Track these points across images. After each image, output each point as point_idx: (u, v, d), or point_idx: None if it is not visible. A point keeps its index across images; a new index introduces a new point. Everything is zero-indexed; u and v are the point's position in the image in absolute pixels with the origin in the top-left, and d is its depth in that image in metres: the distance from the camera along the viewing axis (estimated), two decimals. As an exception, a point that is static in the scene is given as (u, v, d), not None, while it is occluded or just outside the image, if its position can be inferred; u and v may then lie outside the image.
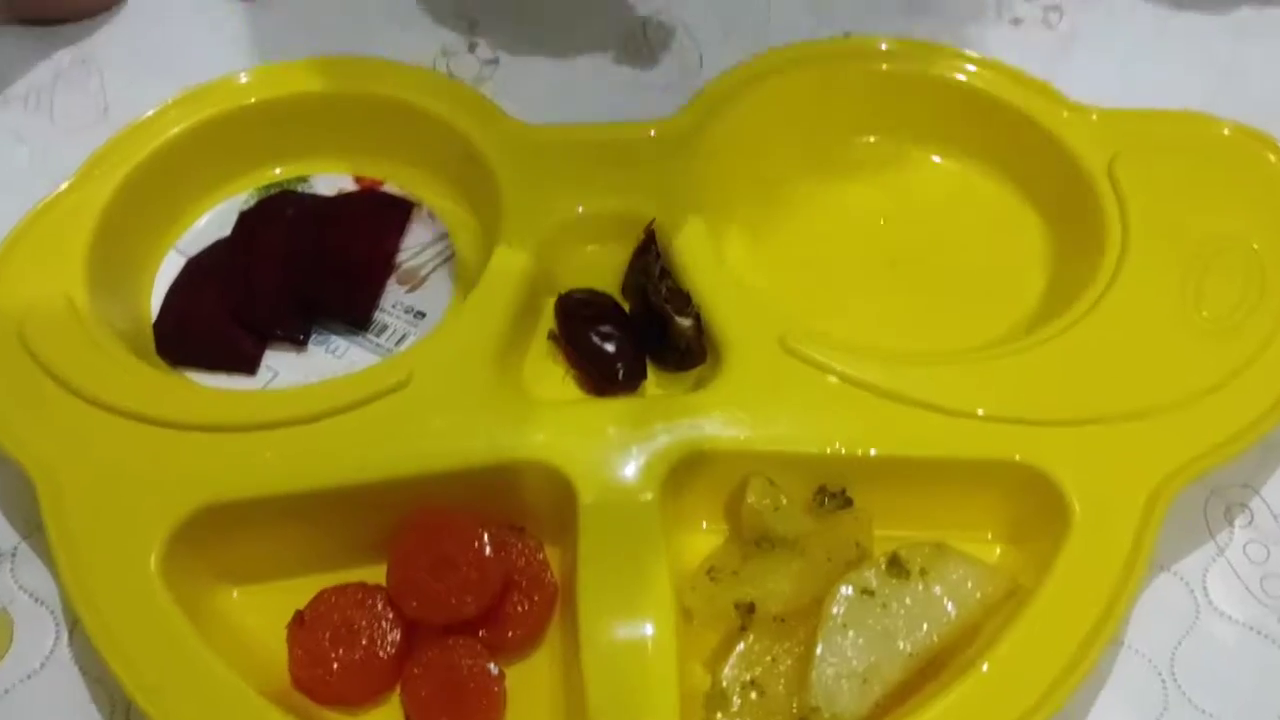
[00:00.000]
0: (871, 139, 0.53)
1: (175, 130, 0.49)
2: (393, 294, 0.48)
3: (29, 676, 0.40)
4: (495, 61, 0.56)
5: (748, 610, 0.39)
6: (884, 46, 0.52)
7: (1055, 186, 0.49)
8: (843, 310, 0.47)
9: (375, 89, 0.51)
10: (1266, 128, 0.50)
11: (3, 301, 0.44)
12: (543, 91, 0.55)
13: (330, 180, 0.52)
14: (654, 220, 0.46)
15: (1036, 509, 0.40)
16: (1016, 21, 0.58)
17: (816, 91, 0.52)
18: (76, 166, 0.48)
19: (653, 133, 0.49)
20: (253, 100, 0.50)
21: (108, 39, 0.57)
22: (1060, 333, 0.44)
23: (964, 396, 0.41)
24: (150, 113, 0.49)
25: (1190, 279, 0.45)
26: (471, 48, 0.57)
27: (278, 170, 0.52)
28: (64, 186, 0.47)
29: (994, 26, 0.58)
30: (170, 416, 0.41)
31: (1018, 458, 0.40)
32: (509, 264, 0.45)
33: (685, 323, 0.44)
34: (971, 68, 0.52)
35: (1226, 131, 0.50)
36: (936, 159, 0.52)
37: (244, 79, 0.51)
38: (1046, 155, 0.49)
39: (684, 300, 0.44)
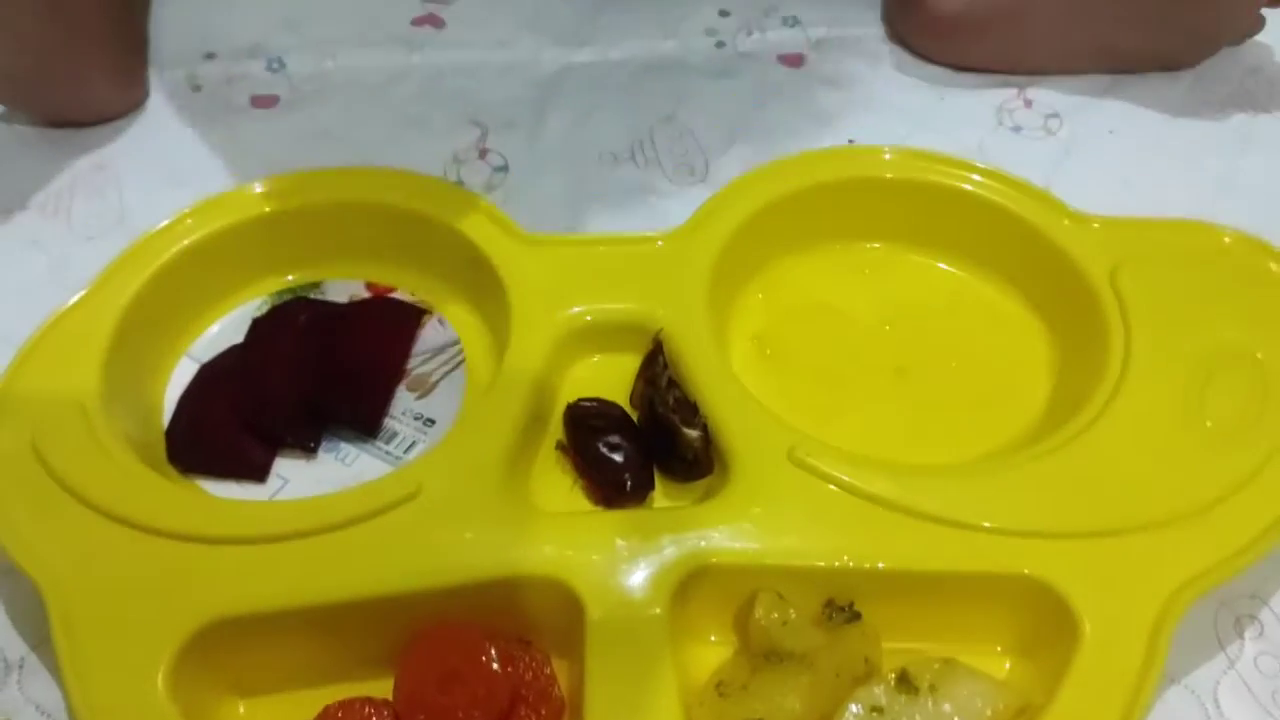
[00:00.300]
0: (876, 245, 0.54)
1: (191, 239, 0.50)
2: (402, 401, 0.49)
3: (33, 792, 0.39)
4: (505, 168, 0.58)
5: (757, 728, 0.38)
6: (887, 155, 0.53)
7: (1058, 294, 0.50)
8: (849, 418, 0.48)
9: (388, 199, 0.51)
10: (1264, 235, 0.50)
11: (17, 411, 0.44)
12: (552, 196, 0.56)
13: (343, 287, 0.52)
14: (661, 330, 0.47)
15: (1046, 622, 0.40)
16: (1017, 129, 0.60)
17: (821, 199, 0.52)
18: (93, 273, 0.49)
19: (660, 243, 0.50)
20: (268, 209, 0.51)
21: (125, 146, 0.58)
22: (1066, 443, 0.44)
23: (972, 509, 0.41)
24: (166, 222, 0.50)
25: (1194, 389, 0.45)
26: (482, 154, 0.58)
27: (291, 277, 0.52)
28: (79, 296, 0.48)
29: (995, 134, 0.59)
30: (180, 529, 0.41)
31: (1026, 571, 0.40)
32: (518, 373, 0.46)
33: (693, 434, 0.44)
34: (974, 175, 0.52)
35: (1228, 240, 0.50)
36: (941, 265, 0.53)
37: (259, 188, 0.51)
38: (1049, 263, 0.50)
39: (692, 411, 0.44)
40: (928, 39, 0.64)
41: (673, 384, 0.46)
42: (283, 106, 0.60)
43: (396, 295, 0.52)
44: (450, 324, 0.51)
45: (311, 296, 0.52)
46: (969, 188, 0.52)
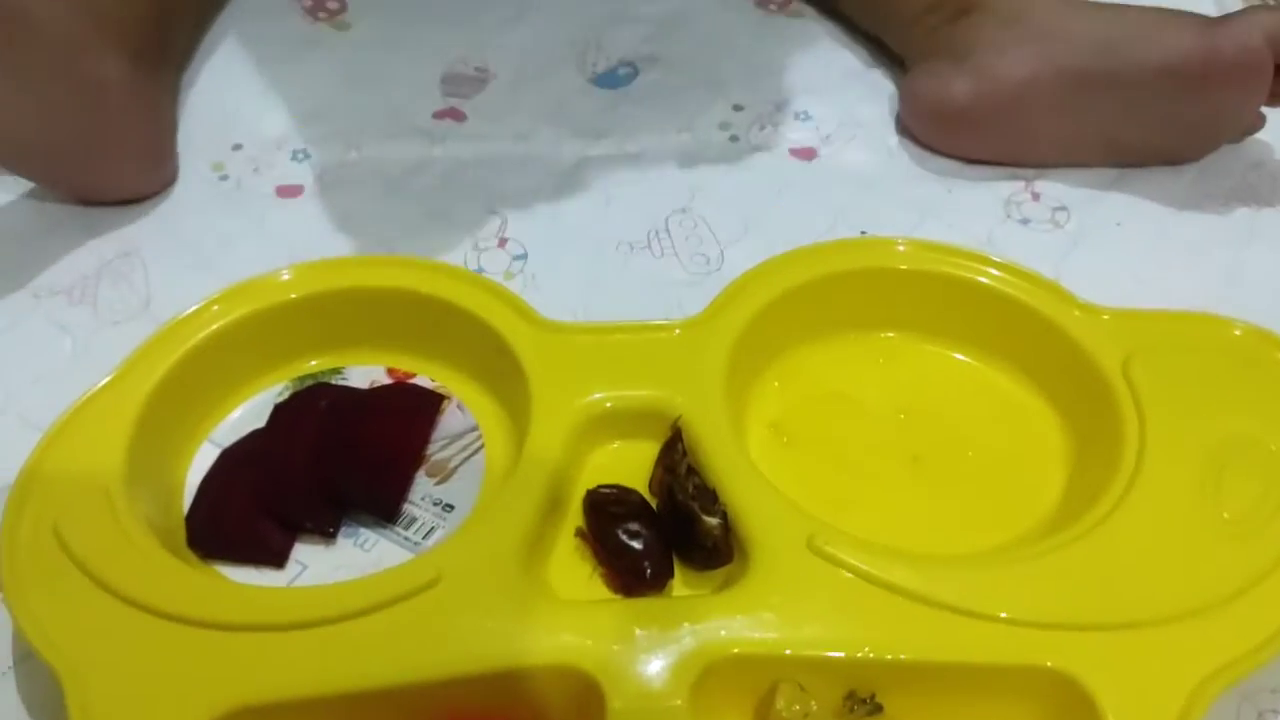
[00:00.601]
0: (890, 334, 0.54)
1: (216, 325, 0.50)
2: (421, 486, 0.49)
3: None
4: (524, 256, 0.59)
5: (778, 822, 0.38)
6: (900, 247, 0.54)
7: (1071, 385, 0.50)
8: (866, 506, 0.48)
9: (410, 285, 0.52)
10: (1272, 327, 0.51)
11: (41, 495, 0.45)
12: (571, 284, 0.57)
13: (364, 372, 0.53)
14: (680, 417, 0.47)
15: (1069, 716, 0.40)
16: (1025, 221, 0.61)
17: (835, 289, 0.53)
18: (117, 358, 0.49)
19: (677, 331, 0.51)
20: (292, 296, 0.52)
21: (152, 232, 0.59)
22: (1085, 534, 0.44)
23: (993, 600, 0.41)
24: (193, 308, 0.51)
25: (1209, 480, 0.46)
26: (502, 243, 0.59)
27: (313, 362, 0.53)
28: (104, 382, 0.48)
29: (1003, 226, 0.60)
30: (199, 615, 0.41)
31: (1049, 664, 0.40)
32: (538, 459, 0.46)
33: (712, 521, 0.44)
34: (985, 267, 0.53)
35: (1238, 332, 0.51)
36: (955, 355, 0.54)
37: (285, 276, 0.52)
38: (1061, 354, 0.51)
39: (711, 498, 0.45)
40: (934, 132, 0.65)
41: (692, 471, 0.46)
42: (307, 196, 0.61)
43: (417, 381, 0.53)
44: (469, 410, 0.52)
45: (333, 382, 0.53)
46: (981, 279, 0.53)
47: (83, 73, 0.56)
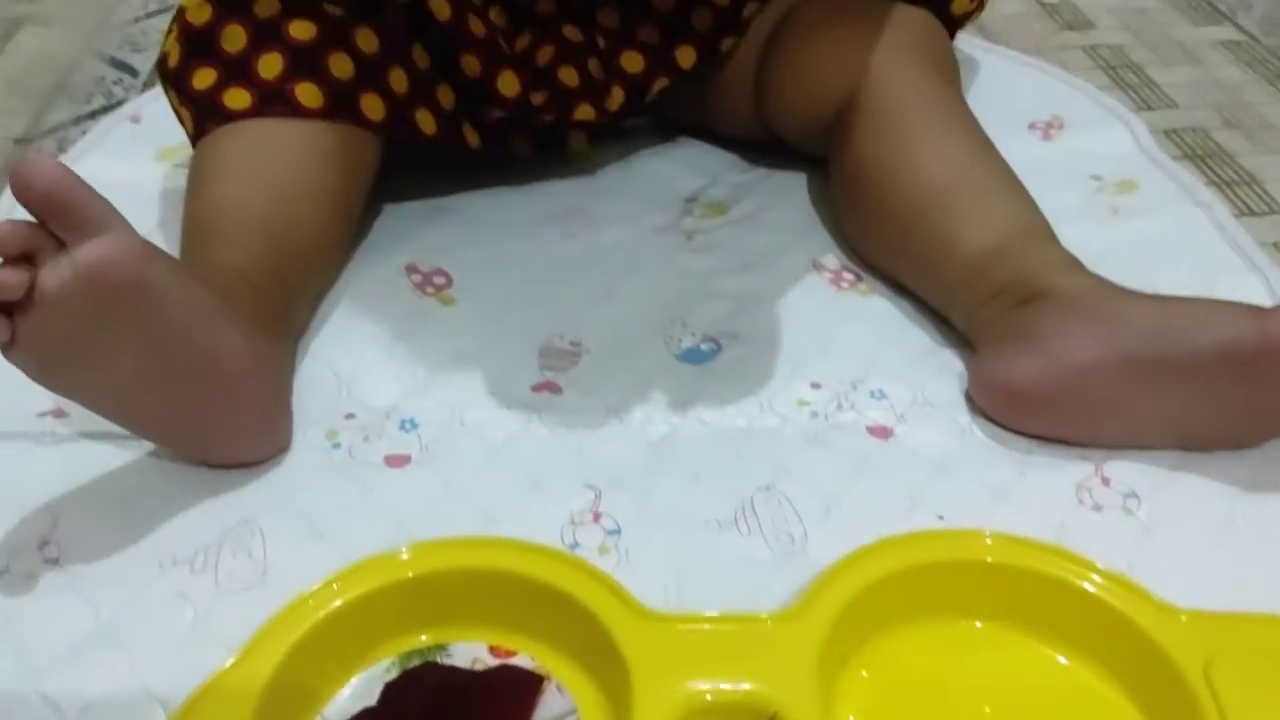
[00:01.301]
0: (976, 624, 0.56)
1: (337, 604, 0.53)
2: (523, 770, 0.51)
3: None
4: (618, 531, 0.62)
5: None
6: (988, 540, 0.57)
7: (1154, 687, 0.52)
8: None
9: (513, 568, 0.55)
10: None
11: (169, 778, 0.47)
12: (661, 562, 0.59)
13: (468, 649, 0.55)
14: (775, 714, 0.49)
15: None
16: (1098, 508, 0.63)
17: (922, 579, 0.56)
18: (236, 628, 0.52)
19: (769, 623, 0.53)
20: (409, 575, 0.55)
21: (269, 501, 0.62)
22: None
23: None
24: (314, 586, 0.54)
25: (1297, 792, 0.47)
26: (596, 517, 0.62)
27: (423, 637, 0.56)
28: (230, 663, 0.51)
29: (1076, 512, 0.63)
30: None
31: None
32: (640, 753, 0.48)
33: (812, 828, 0.45)
34: (1070, 564, 0.56)
35: (1316, 637, 0.53)
36: (1038, 647, 0.55)
37: (404, 555, 0.56)
38: (1144, 656, 0.52)
39: (809, 802, 0.46)
40: (1004, 413, 0.68)
41: (790, 771, 0.47)
42: (414, 465, 0.65)
43: (518, 659, 0.55)
44: (568, 691, 0.54)
45: (438, 659, 0.55)
46: (1064, 576, 0.55)
47: (202, 343, 0.58)
